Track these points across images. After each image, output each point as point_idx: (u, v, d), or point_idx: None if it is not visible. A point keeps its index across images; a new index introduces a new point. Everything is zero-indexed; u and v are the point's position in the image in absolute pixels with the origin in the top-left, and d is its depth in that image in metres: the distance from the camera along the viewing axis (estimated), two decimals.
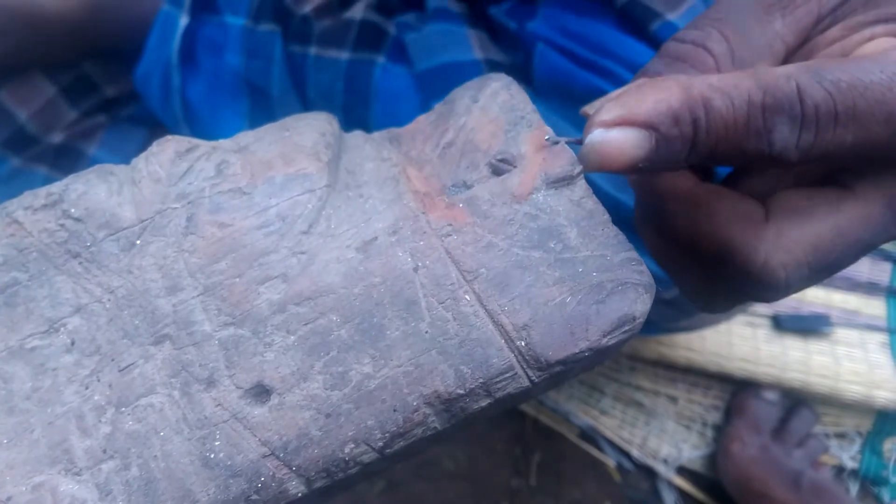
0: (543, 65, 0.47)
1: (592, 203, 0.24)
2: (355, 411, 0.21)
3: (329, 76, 0.49)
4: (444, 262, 0.23)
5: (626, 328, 0.22)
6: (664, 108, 0.19)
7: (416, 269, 0.23)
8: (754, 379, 0.84)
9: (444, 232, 0.24)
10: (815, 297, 0.89)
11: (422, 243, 0.23)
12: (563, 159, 0.24)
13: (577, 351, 0.21)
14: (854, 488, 0.84)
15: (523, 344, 0.22)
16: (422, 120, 0.27)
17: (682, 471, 0.86)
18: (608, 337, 0.22)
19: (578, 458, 0.86)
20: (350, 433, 0.21)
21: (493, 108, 0.26)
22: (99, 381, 0.22)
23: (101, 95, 0.55)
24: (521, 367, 0.22)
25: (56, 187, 0.24)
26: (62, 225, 0.23)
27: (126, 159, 0.55)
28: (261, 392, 0.22)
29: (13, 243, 0.23)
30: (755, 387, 0.85)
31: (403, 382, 0.21)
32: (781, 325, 0.86)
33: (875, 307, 0.89)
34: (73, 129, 0.54)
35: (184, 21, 0.50)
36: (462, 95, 0.27)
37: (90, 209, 0.23)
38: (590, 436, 0.87)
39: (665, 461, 0.86)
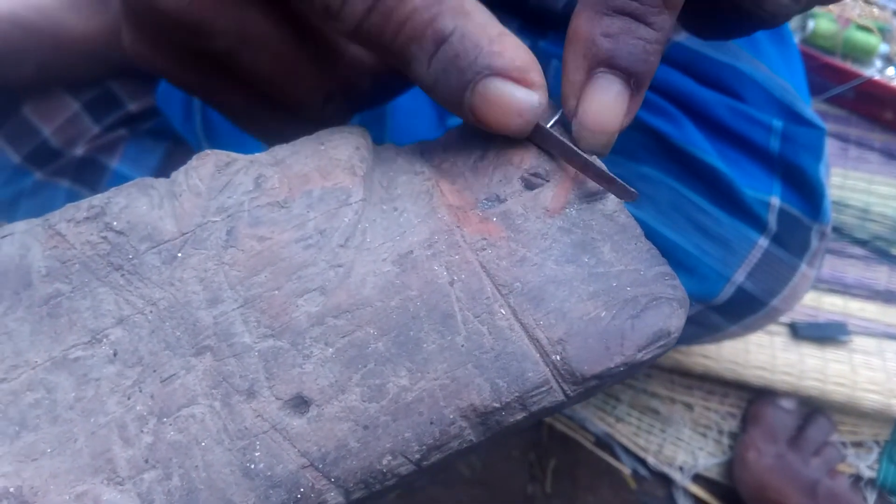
0: (559, 81, 0.48)
1: (625, 217, 0.25)
2: (393, 423, 0.22)
3: None
4: (479, 276, 0.23)
5: (661, 343, 0.22)
6: None
7: (451, 283, 0.23)
8: (771, 387, 0.84)
9: (478, 246, 0.24)
10: (833, 305, 0.89)
11: (457, 257, 0.24)
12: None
13: (612, 366, 0.22)
14: (871, 498, 0.84)
15: (558, 358, 0.22)
16: (453, 133, 0.28)
17: (698, 478, 0.86)
18: (643, 352, 0.22)
19: (594, 465, 0.86)
20: (388, 445, 0.21)
21: None
22: (141, 391, 0.22)
23: (123, 110, 0.56)
24: (557, 381, 0.22)
25: (98, 200, 0.24)
26: (104, 237, 0.24)
27: (148, 172, 0.56)
28: (300, 403, 0.22)
29: (56, 255, 0.24)
30: (772, 395, 0.85)
31: (440, 395, 0.22)
32: (798, 332, 0.86)
33: (893, 315, 0.89)
34: (94, 142, 0.55)
35: None
36: None
37: (132, 222, 0.24)
38: (605, 443, 0.87)
39: (681, 469, 0.86)
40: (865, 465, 0.86)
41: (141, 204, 0.24)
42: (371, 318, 0.23)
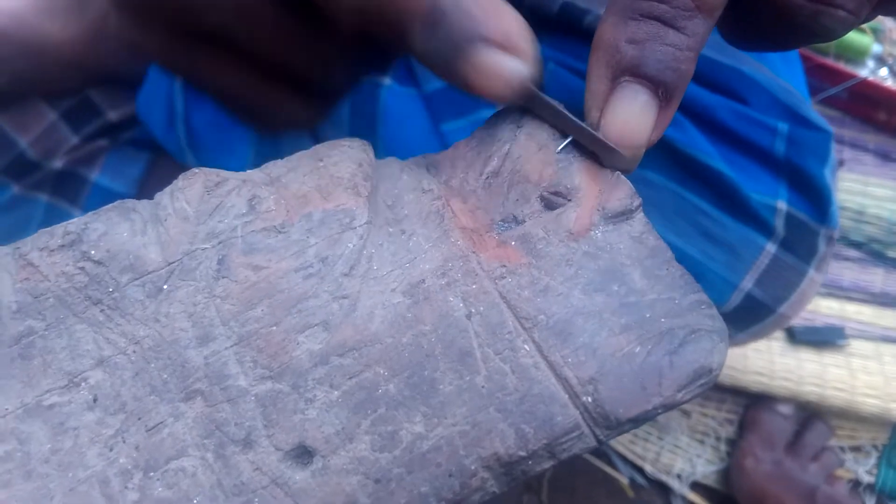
0: (555, 84, 0.47)
1: (654, 239, 0.23)
2: (407, 476, 0.19)
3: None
4: (500, 307, 0.21)
5: (703, 381, 0.20)
6: None
7: (469, 316, 0.21)
8: (769, 392, 0.83)
9: (497, 274, 0.22)
10: (829, 309, 0.88)
11: (474, 286, 0.21)
12: (621, 191, 0.23)
13: (649, 408, 0.20)
14: (870, 503, 0.83)
15: (590, 400, 0.20)
16: (461, 146, 0.26)
17: (696, 486, 0.84)
18: (683, 392, 0.20)
19: (591, 473, 0.84)
20: (402, 501, 0.19)
21: (541, 133, 0.24)
22: (125, 441, 0.20)
23: (103, 119, 0.54)
24: (588, 425, 0.20)
25: (74, 225, 0.22)
26: (81, 268, 0.21)
27: (130, 183, 0.54)
28: (303, 454, 0.20)
29: (28, 288, 0.21)
30: (769, 400, 0.83)
31: (459, 444, 0.20)
32: (796, 337, 0.84)
33: (889, 318, 0.88)
34: (73, 154, 0.53)
35: None
36: (503, 119, 0.25)
37: (112, 251, 0.21)
38: (602, 451, 0.85)
39: (679, 476, 0.84)
40: (864, 469, 0.85)
41: (122, 230, 0.22)
42: (380, 356, 0.21)
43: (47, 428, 0.20)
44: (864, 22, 0.23)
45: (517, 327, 0.21)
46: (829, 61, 0.92)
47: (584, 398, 0.20)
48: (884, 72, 0.94)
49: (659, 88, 0.22)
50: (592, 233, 0.22)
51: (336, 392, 0.20)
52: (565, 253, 0.22)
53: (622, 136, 0.22)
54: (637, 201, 0.23)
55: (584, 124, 0.23)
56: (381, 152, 0.45)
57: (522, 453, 0.20)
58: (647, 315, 0.21)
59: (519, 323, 0.21)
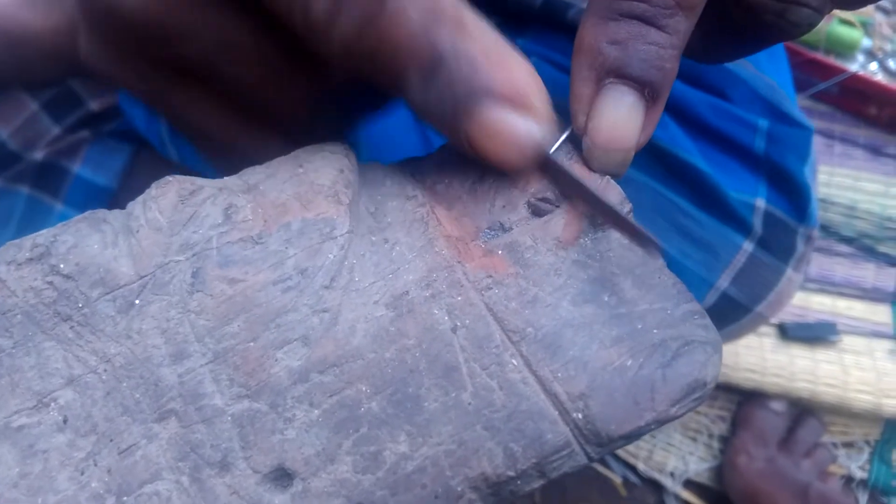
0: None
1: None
2: (391, 499, 0.19)
3: None
4: (486, 320, 0.20)
5: (697, 395, 0.19)
6: None
7: (454, 330, 0.20)
8: (761, 389, 0.83)
9: (483, 285, 0.21)
10: (821, 305, 0.88)
11: (459, 298, 0.21)
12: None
13: (642, 424, 0.19)
14: (863, 499, 0.83)
15: (580, 416, 0.19)
16: (447, 149, 0.25)
17: (689, 484, 0.84)
18: (677, 406, 0.19)
19: (583, 473, 0.83)
20: None
21: None
22: (96, 465, 0.19)
23: (85, 110, 0.53)
24: (579, 442, 0.19)
25: (42, 238, 0.21)
26: (50, 283, 0.20)
27: (112, 175, 0.53)
28: (282, 476, 0.19)
29: None
30: (761, 397, 0.83)
31: (445, 464, 0.19)
32: (788, 333, 0.84)
33: (881, 314, 0.88)
34: (55, 145, 0.52)
35: None
36: None
37: (81, 264, 0.20)
38: None
39: (671, 474, 0.84)
40: (857, 465, 0.85)
41: (92, 242, 0.21)
42: (363, 372, 0.20)
43: (16, 451, 0.19)
44: (823, 16, 0.23)
45: (504, 341, 0.20)
46: (819, 56, 0.91)
47: (575, 414, 0.19)
48: (874, 66, 0.93)
49: (645, 88, 0.21)
50: (581, 240, 0.22)
51: (316, 411, 0.19)
52: (554, 262, 0.21)
53: (610, 139, 0.21)
54: (627, 206, 0.22)
55: (613, 205, 0.22)
56: (361, 149, 0.44)
57: (511, 473, 0.19)
58: (639, 326, 0.20)
59: (506, 336, 0.20)
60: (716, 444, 0.86)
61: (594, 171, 0.22)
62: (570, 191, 0.22)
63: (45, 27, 0.47)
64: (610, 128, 0.21)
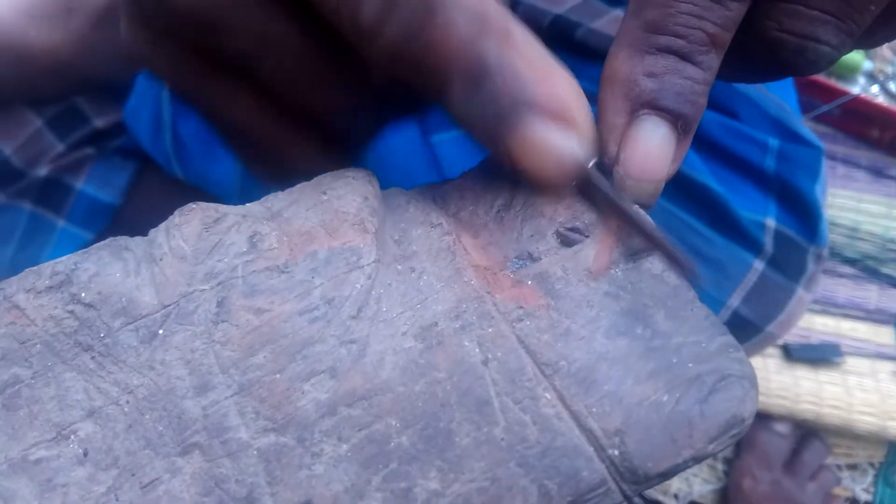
0: None
1: (675, 278, 0.22)
2: None
3: None
4: (518, 353, 0.20)
5: (734, 432, 0.19)
6: None
7: (485, 363, 0.20)
8: (765, 411, 0.82)
9: (514, 316, 0.21)
10: (824, 326, 0.87)
11: (490, 330, 0.20)
12: (641, 225, 0.22)
13: (679, 462, 0.18)
14: None
15: (616, 453, 0.19)
16: (469, 176, 0.24)
17: None
18: (714, 443, 0.19)
19: None
20: None
21: None
22: (117, 500, 0.19)
23: (89, 127, 0.53)
24: (615, 480, 0.19)
25: (62, 265, 0.20)
26: (71, 312, 0.20)
27: (116, 192, 0.52)
28: None
29: (13, 333, 0.20)
30: (765, 419, 0.83)
31: (478, 501, 0.18)
32: (792, 355, 0.84)
33: (884, 335, 0.88)
34: (59, 162, 0.52)
35: None
36: None
37: (103, 293, 0.20)
38: None
39: (676, 496, 0.84)
40: (861, 488, 0.85)
41: (114, 270, 0.20)
42: (392, 406, 0.19)
43: (34, 485, 0.19)
44: (845, 53, 0.23)
45: (537, 374, 0.20)
46: (821, 78, 0.92)
47: (611, 451, 0.19)
48: (875, 89, 0.94)
49: (678, 121, 0.21)
50: (612, 271, 0.21)
51: (345, 445, 0.19)
52: (585, 293, 0.21)
53: (643, 169, 0.21)
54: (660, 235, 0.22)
55: (651, 224, 0.22)
56: (368, 165, 0.44)
57: None
58: (674, 360, 0.20)
59: (539, 369, 0.20)
60: (720, 466, 0.85)
61: (622, 201, 0.22)
62: (607, 210, 0.22)
63: (50, 43, 0.48)
64: (643, 158, 0.21)
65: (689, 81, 0.21)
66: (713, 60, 0.21)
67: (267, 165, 0.27)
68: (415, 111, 0.29)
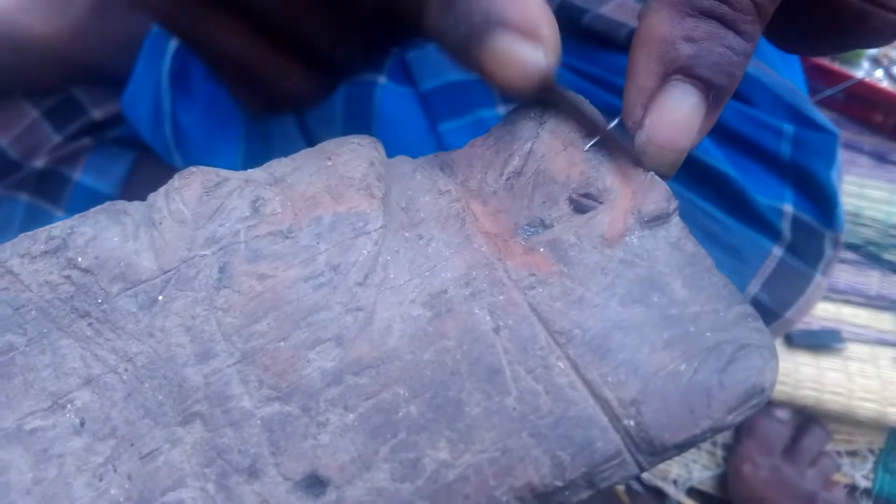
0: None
1: (692, 246, 0.21)
2: None
3: (328, 99, 0.46)
4: (530, 320, 0.19)
5: (754, 402, 0.18)
6: None
7: (496, 330, 0.19)
8: None
9: (526, 283, 0.20)
10: (825, 312, 0.87)
11: (501, 297, 0.20)
12: (656, 193, 0.21)
13: (697, 432, 0.18)
14: None
15: (632, 423, 0.18)
16: (477, 144, 0.24)
17: (693, 492, 0.83)
18: (734, 414, 0.18)
19: None
20: None
21: (567, 130, 0.22)
22: (115, 471, 0.18)
23: (86, 118, 0.52)
24: (630, 451, 0.18)
25: (58, 229, 0.20)
26: (67, 277, 0.19)
27: (114, 183, 0.52)
28: (314, 484, 0.18)
29: (7, 299, 0.19)
30: (766, 405, 0.82)
31: (489, 472, 0.18)
32: (793, 341, 0.83)
33: (885, 321, 0.87)
34: (56, 153, 0.51)
35: (175, 42, 0.47)
36: (523, 115, 0.23)
37: (101, 258, 0.19)
38: None
39: (675, 482, 0.83)
40: (861, 474, 0.84)
41: (111, 234, 0.20)
42: (400, 374, 0.19)
43: (29, 455, 0.18)
44: None
45: (550, 342, 0.19)
46: (825, 62, 0.91)
47: (626, 421, 0.18)
48: (879, 73, 0.93)
49: (711, 92, 0.21)
50: (627, 238, 0.21)
51: (351, 415, 0.18)
52: (599, 260, 0.20)
53: (667, 137, 0.21)
54: (674, 204, 0.21)
55: (596, 118, 0.22)
56: (402, 155, 0.44)
57: (559, 483, 0.18)
58: (692, 329, 0.19)
59: (552, 338, 0.19)
60: (720, 452, 0.85)
61: (644, 169, 0.21)
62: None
63: (48, 32, 0.47)
64: (669, 125, 0.20)
65: (729, 51, 0.20)
66: (756, 32, 0.21)
67: (258, 97, 0.28)
68: (399, 42, 0.29)
